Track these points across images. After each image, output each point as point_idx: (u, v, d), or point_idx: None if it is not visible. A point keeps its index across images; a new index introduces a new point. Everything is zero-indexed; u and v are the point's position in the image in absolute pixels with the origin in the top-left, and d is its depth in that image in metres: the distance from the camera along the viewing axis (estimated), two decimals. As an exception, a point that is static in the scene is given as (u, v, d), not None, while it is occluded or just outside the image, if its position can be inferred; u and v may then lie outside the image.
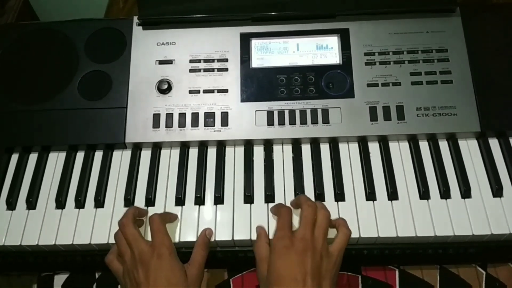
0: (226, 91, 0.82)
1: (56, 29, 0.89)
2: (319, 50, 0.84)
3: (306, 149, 0.80)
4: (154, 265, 0.64)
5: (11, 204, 0.78)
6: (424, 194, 0.74)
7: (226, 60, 0.84)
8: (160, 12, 0.86)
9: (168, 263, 0.65)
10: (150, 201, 0.76)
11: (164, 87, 0.82)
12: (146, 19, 0.86)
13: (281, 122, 0.80)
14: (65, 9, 1.26)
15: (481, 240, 0.72)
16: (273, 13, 0.85)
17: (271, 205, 0.74)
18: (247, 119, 0.80)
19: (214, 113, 0.81)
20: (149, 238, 0.69)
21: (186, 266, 0.67)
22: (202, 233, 0.72)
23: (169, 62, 0.85)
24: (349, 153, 0.79)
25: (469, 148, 0.78)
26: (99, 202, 0.77)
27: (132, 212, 0.70)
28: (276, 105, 0.81)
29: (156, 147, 0.81)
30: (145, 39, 0.86)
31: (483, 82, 0.79)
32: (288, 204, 0.74)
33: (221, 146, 0.81)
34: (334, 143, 0.79)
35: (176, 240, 0.72)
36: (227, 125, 0.80)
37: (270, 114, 0.80)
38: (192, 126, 0.80)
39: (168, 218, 0.73)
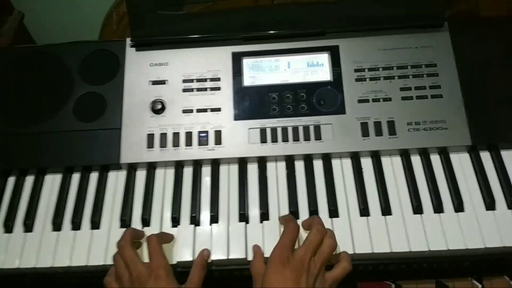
0: (219, 109, 0.83)
1: (51, 52, 0.90)
2: (310, 67, 0.85)
3: (299, 166, 0.80)
4: (152, 287, 0.65)
5: (8, 226, 0.78)
6: (417, 208, 0.74)
7: (219, 79, 0.85)
8: (153, 34, 0.87)
9: (166, 284, 0.65)
10: (146, 222, 0.77)
11: (158, 107, 0.83)
12: (139, 41, 0.87)
13: (274, 140, 0.80)
14: (60, 31, 1.27)
15: (475, 254, 0.72)
16: (263, 32, 0.86)
17: (266, 223, 0.74)
18: (240, 137, 0.81)
19: (207, 131, 0.82)
20: (147, 259, 0.69)
21: (183, 287, 0.68)
22: (200, 254, 0.72)
23: (162, 82, 0.86)
24: (342, 169, 0.79)
25: (461, 162, 0.78)
26: (96, 223, 0.77)
27: (129, 234, 0.71)
28: (268, 123, 0.81)
29: (151, 167, 0.82)
30: (138, 60, 0.87)
31: (473, 95, 0.80)
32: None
33: (215, 164, 0.81)
34: (327, 159, 0.80)
35: (173, 261, 0.72)
36: (220, 144, 0.81)
37: (263, 131, 0.81)
38: (186, 145, 0.81)
39: (165, 238, 0.74)
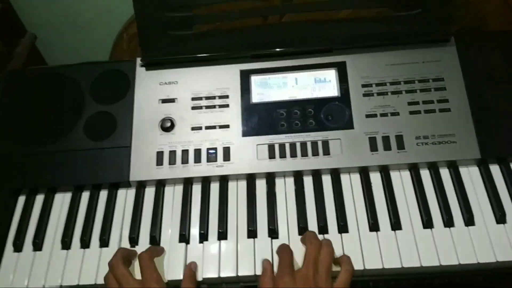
0: (227, 126, 0.84)
1: (63, 73, 0.92)
2: (317, 83, 0.85)
3: (308, 181, 0.80)
4: None
5: (17, 246, 0.79)
6: (427, 223, 0.74)
7: (227, 96, 0.86)
8: (162, 53, 0.88)
9: None
10: (154, 239, 0.77)
11: (167, 125, 0.84)
12: (149, 60, 0.89)
13: (282, 155, 0.80)
14: (72, 51, 1.30)
15: (487, 268, 0.71)
16: (271, 50, 0.87)
17: (275, 241, 0.74)
18: (249, 153, 0.81)
19: (216, 148, 0.82)
20: (139, 277, 0.69)
21: None
22: (188, 266, 0.72)
23: (172, 100, 0.87)
24: (351, 184, 0.79)
25: (471, 175, 0.78)
26: (104, 242, 0.78)
27: (121, 253, 0.71)
28: (277, 139, 0.82)
29: (160, 185, 0.82)
30: (148, 79, 0.88)
31: (481, 109, 0.80)
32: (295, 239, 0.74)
33: (224, 181, 0.81)
34: (335, 174, 0.80)
35: (181, 276, 0.72)
36: (229, 160, 0.81)
37: (271, 147, 0.81)
38: (195, 162, 0.81)
39: (156, 252, 0.74)
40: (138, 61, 0.90)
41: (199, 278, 0.72)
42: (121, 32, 1.13)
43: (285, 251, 0.70)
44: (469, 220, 0.73)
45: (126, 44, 1.10)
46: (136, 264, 0.72)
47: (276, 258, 0.72)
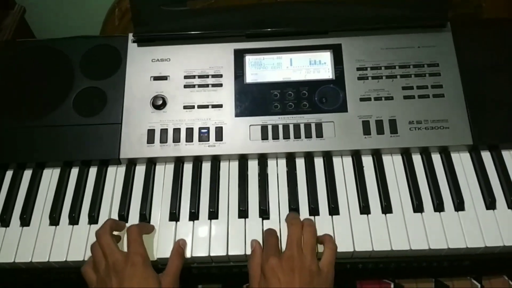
0: (220, 106, 0.83)
1: (52, 46, 0.90)
2: (312, 65, 0.85)
3: (300, 163, 0.80)
4: (128, 274, 0.65)
5: (5, 221, 0.78)
6: (417, 207, 0.74)
7: (221, 75, 0.85)
8: (155, 29, 0.87)
9: (142, 272, 0.66)
10: (144, 217, 0.76)
11: (159, 103, 0.83)
12: (141, 36, 0.87)
13: (275, 137, 0.80)
14: (61, 26, 1.27)
15: (475, 253, 0.72)
16: (266, 29, 0.86)
17: (266, 222, 0.74)
18: (241, 134, 0.81)
19: (208, 128, 0.81)
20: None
21: (161, 275, 0.68)
22: (176, 243, 0.72)
23: (164, 78, 0.85)
24: (343, 166, 0.79)
25: (462, 161, 0.78)
26: (93, 219, 0.77)
27: (109, 224, 0.71)
28: (270, 120, 0.81)
29: (151, 163, 0.82)
30: (140, 56, 0.87)
31: (475, 95, 0.80)
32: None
33: (215, 161, 0.81)
34: (328, 157, 0.80)
35: (167, 255, 0.72)
36: (221, 140, 0.80)
37: (264, 128, 0.81)
38: (186, 141, 0.81)
39: (145, 229, 0.74)
40: (130, 36, 0.88)
41: (189, 256, 0.72)
42: (113, 6, 1.10)
43: (271, 235, 0.70)
44: (459, 205, 0.74)
45: (118, 20, 1.08)
46: (124, 238, 0.72)
47: (266, 239, 0.72)
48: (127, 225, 0.75)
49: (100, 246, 0.68)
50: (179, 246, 0.72)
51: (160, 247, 0.73)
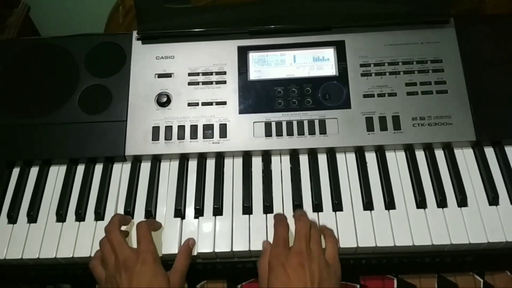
0: (224, 103, 0.83)
1: (57, 44, 0.90)
2: (315, 62, 0.85)
3: (304, 160, 0.80)
4: (138, 271, 0.65)
5: (12, 217, 0.78)
6: (421, 203, 0.74)
7: (224, 73, 0.85)
8: (159, 27, 0.87)
9: (152, 269, 0.66)
10: (149, 213, 0.77)
11: (163, 100, 0.84)
12: (145, 34, 0.88)
13: (279, 133, 0.80)
14: (66, 24, 1.28)
15: (478, 249, 0.72)
16: (270, 26, 0.86)
17: (269, 216, 0.75)
18: (245, 131, 0.81)
19: (212, 125, 0.82)
20: (134, 246, 0.70)
21: (169, 273, 0.69)
22: (185, 242, 0.73)
23: (168, 75, 0.86)
24: (346, 163, 0.80)
25: (465, 157, 0.79)
26: (99, 215, 0.78)
27: (117, 219, 0.71)
28: (274, 117, 0.82)
29: (156, 160, 0.82)
30: (144, 53, 0.87)
31: (478, 91, 0.80)
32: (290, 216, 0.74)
33: (220, 157, 0.81)
34: (331, 153, 0.80)
35: (176, 251, 0.73)
36: (225, 137, 0.81)
37: (268, 125, 0.81)
38: (191, 138, 0.81)
39: (154, 226, 0.74)
40: (134, 34, 0.89)
41: (194, 253, 0.73)
42: (117, 4, 1.10)
43: (281, 225, 0.70)
44: (462, 201, 0.74)
45: (122, 18, 1.08)
46: (132, 233, 0.73)
47: (271, 235, 0.72)
48: (133, 221, 0.76)
49: (110, 242, 0.69)
50: (188, 245, 0.73)
51: (165, 243, 0.74)
